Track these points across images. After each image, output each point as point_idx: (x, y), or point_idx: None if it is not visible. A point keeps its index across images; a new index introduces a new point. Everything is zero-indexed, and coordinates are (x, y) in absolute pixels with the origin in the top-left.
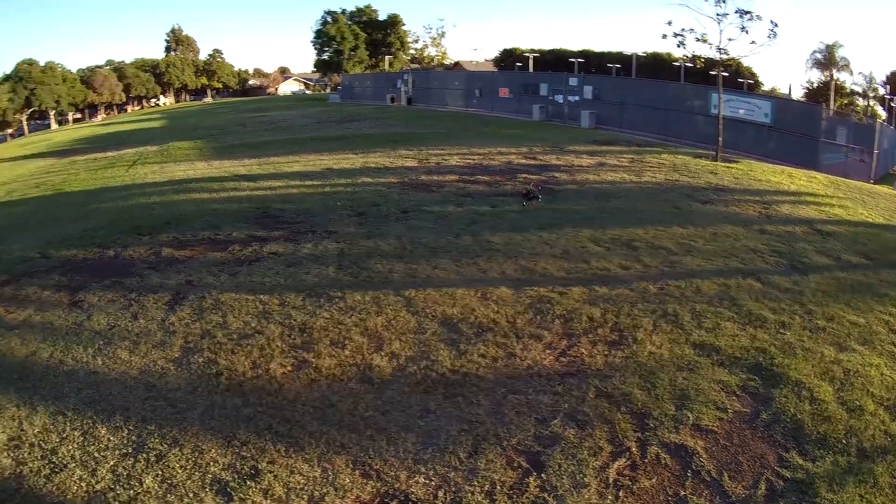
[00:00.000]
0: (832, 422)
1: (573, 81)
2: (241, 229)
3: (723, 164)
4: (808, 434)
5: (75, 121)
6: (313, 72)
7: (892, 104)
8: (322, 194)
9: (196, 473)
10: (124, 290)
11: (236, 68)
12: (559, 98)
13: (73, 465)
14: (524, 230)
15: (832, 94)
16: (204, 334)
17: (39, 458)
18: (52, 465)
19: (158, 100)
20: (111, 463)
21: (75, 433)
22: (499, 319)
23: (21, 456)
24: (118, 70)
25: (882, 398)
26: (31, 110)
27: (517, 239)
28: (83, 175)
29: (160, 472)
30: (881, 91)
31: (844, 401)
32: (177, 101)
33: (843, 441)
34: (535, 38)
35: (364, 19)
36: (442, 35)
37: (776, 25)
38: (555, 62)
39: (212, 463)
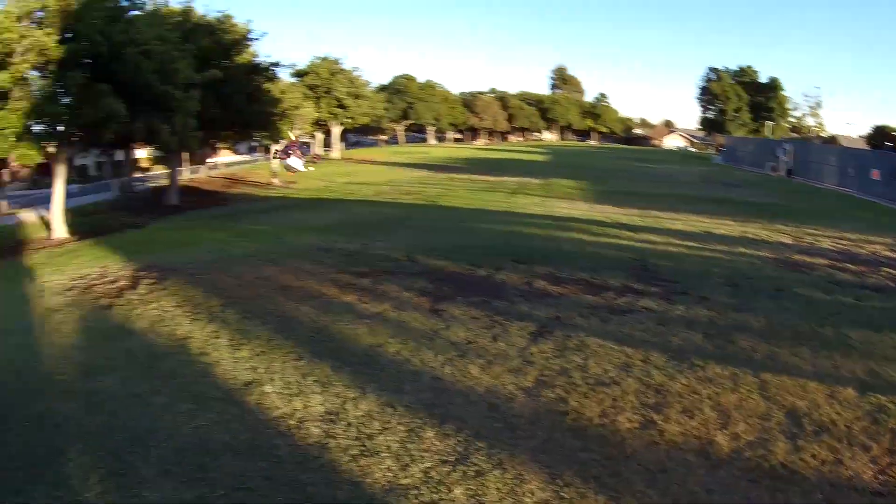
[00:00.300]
0: None
1: None
2: (618, 277)
3: None
4: None
5: (455, 140)
6: (697, 129)
7: None
8: (700, 257)
9: (509, 499)
10: (490, 311)
11: (621, 115)
12: None
13: (386, 454)
14: (882, 330)
15: None
16: (561, 371)
17: (353, 438)
18: (362, 448)
19: (542, 134)
20: (426, 464)
21: (400, 427)
22: (838, 421)
23: (333, 430)
24: (501, 99)
25: None
26: (408, 122)
27: (874, 338)
28: (460, 193)
29: (473, 488)
30: None
31: None
32: (561, 139)
33: None
34: None
35: (745, 80)
36: (819, 105)
37: None
38: None
39: (528, 494)
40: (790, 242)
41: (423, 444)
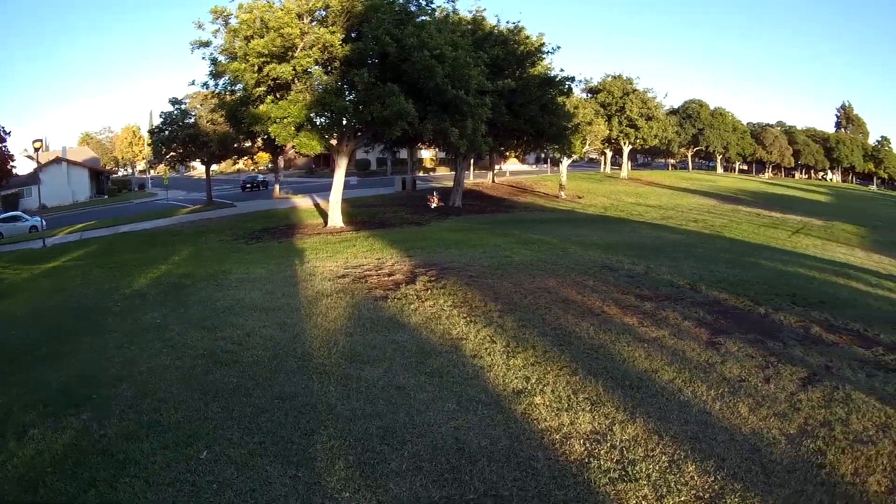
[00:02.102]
0: None
1: None
2: (890, 333)
3: None
4: None
5: (741, 171)
6: None
7: None
8: None
9: None
10: (765, 351)
11: None
12: None
13: (644, 483)
14: None
15: None
16: (825, 423)
17: (614, 461)
18: (623, 473)
19: (826, 174)
20: (682, 498)
21: (662, 457)
22: None
23: (596, 450)
24: (789, 134)
25: None
26: (696, 148)
27: None
28: (745, 226)
29: None
30: None
31: None
32: (843, 181)
33: None
34: None
35: None
36: None
37: None
38: None
39: None
40: None
41: (682, 476)
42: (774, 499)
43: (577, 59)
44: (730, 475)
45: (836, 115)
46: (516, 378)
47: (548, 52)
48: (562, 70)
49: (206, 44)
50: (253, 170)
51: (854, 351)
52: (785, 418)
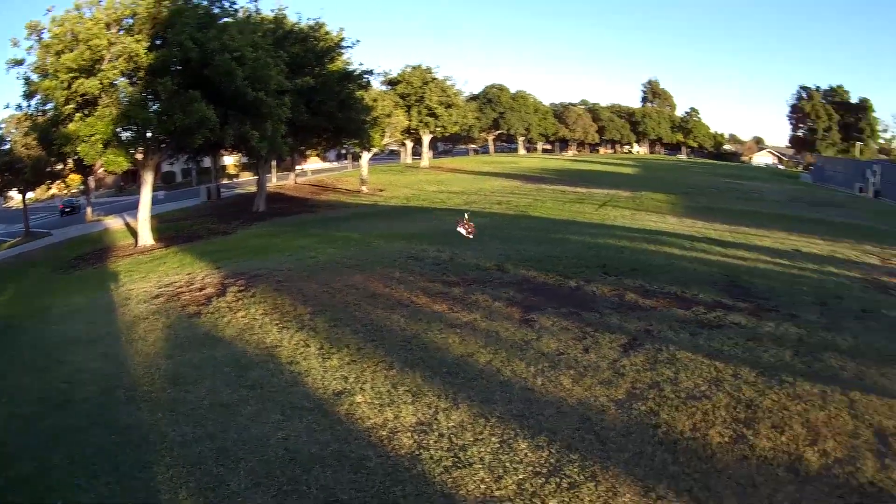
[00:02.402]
0: None
1: None
2: (708, 292)
3: None
4: None
5: (544, 151)
6: (787, 147)
7: None
8: (789, 275)
9: None
10: (580, 322)
11: (711, 130)
12: None
13: (479, 466)
14: None
15: None
16: (652, 385)
17: (445, 449)
18: (455, 460)
19: (632, 147)
20: (520, 476)
21: (492, 438)
22: None
23: (426, 441)
24: (592, 111)
25: None
26: (498, 132)
27: None
28: (550, 204)
29: (567, 500)
30: None
31: None
32: (651, 152)
33: None
34: None
35: (836, 100)
36: None
37: None
38: None
39: None
40: (878, 264)
41: (516, 455)
42: (614, 463)
43: (386, 51)
44: (564, 447)
45: (643, 90)
46: (335, 379)
47: (348, 46)
48: (360, 64)
49: (20, 62)
50: (66, 194)
51: (674, 313)
52: (611, 385)
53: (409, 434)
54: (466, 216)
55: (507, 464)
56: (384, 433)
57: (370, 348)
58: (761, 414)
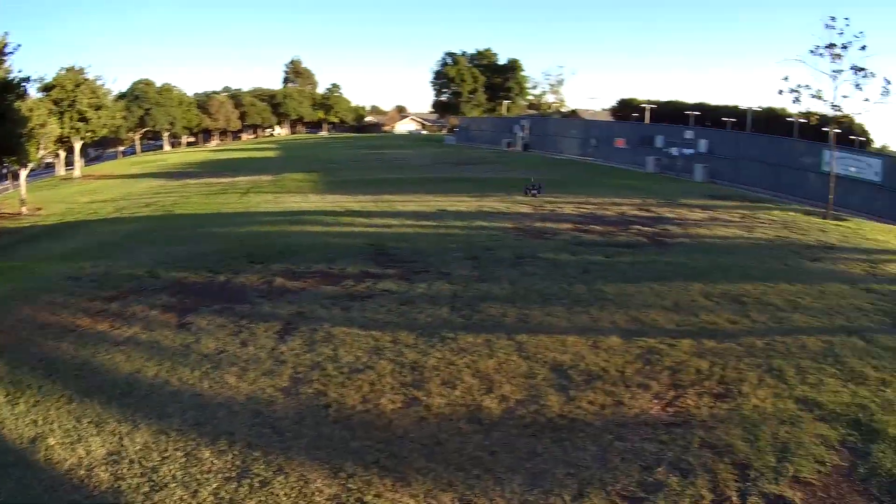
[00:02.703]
0: None
1: (688, 134)
2: (355, 265)
3: (832, 222)
4: None
5: (189, 144)
6: (430, 112)
7: None
8: (436, 235)
9: (301, 502)
10: (234, 317)
11: (353, 104)
12: (674, 151)
13: (174, 485)
14: (636, 281)
15: None
16: (314, 366)
17: (139, 475)
18: (151, 483)
19: (274, 130)
20: (213, 486)
21: (178, 454)
22: (608, 368)
23: (120, 471)
24: (235, 97)
25: None
26: (144, 130)
27: (629, 290)
28: (195, 199)
29: (264, 499)
30: None
31: None
32: (292, 133)
33: None
34: (652, 89)
35: (484, 62)
36: (561, 82)
37: (889, 83)
38: (670, 114)
39: (317, 493)
40: (530, 212)
41: (203, 465)
42: (296, 452)
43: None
44: (245, 447)
45: (285, 70)
46: (26, 426)
47: (9, 53)
48: (20, 71)
49: None
50: None
51: (323, 290)
52: (274, 374)
53: (103, 467)
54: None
55: (199, 476)
56: (82, 472)
57: (49, 384)
58: (428, 374)
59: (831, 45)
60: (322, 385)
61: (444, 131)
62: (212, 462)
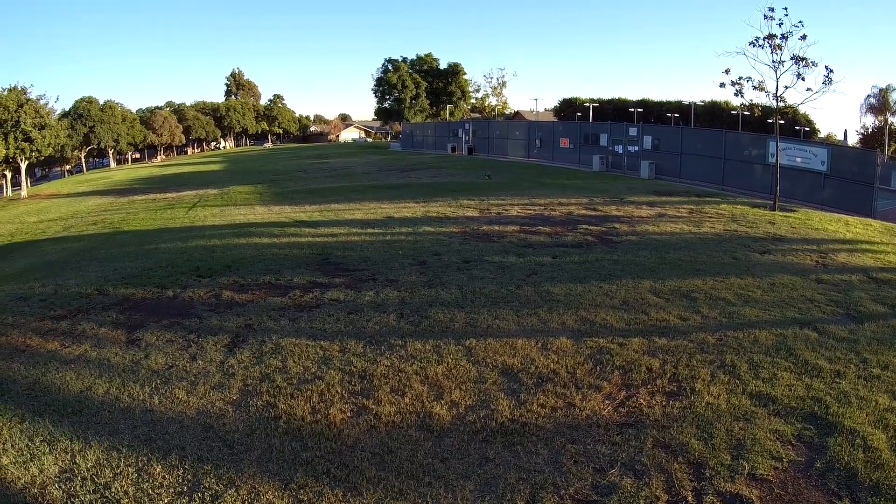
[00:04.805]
0: (885, 469)
1: (632, 132)
2: (302, 275)
3: (780, 214)
4: (861, 481)
5: (134, 160)
6: (374, 120)
7: None
8: (383, 242)
9: None
10: (183, 331)
11: (297, 114)
12: (619, 148)
13: (127, 500)
14: (584, 281)
15: (886, 138)
16: (263, 378)
17: (91, 491)
18: (104, 500)
19: (219, 143)
20: (165, 500)
21: (129, 469)
22: (559, 370)
23: (73, 489)
24: (178, 112)
25: None
26: (89, 148)
27: (577, 290)
28: (142, 215)
29: None
30: None
31: None
32: (237, 146)
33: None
34: (595, 87)
35: (425, 68)
36: (503, 84)
37: (831, 71)
38: (614, 112)
39: None
40: (476, 215)
41: (155, 481)
42: (247, 465)
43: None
44: (196, 461)
45: (227, 83)
46: None
47: None
48: None
49: None
50: None
51: (271, 302)
52: (223, 387)
53: (56, 485)
54: None
55: (150, 491)
56: (35, 490)
57: (1, 404)
58: (377, 382)
59: (771, 36)
60: (271, 397)
61: (389, 138)
62: (163, 477)
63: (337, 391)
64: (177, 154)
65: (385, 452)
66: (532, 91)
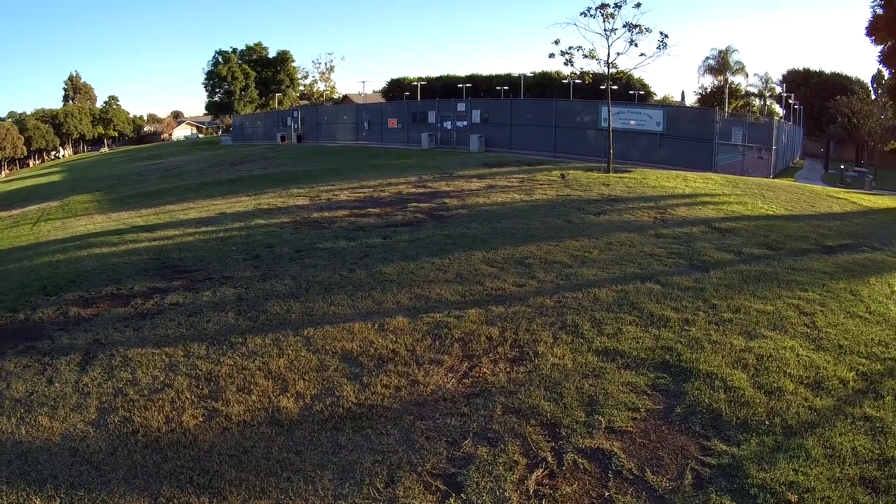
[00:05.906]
0: (751, 405)
1: (461, 107)
2: (142, 282)
3: (615, 175)
4: (727, 421)
5: None
6: (205, 114)
7: (790, 101)
8: (217, 240)
9: None
10: (37, 354)
11: (132, 115)
12: (447, 124)
13: None
14: (416, 258)
15: (726, 97)
16: (116, 393)
17: None
18: None
19: (59, 152)
20: None
21: None
22: (398, 349)
23: None
24: (20, 122)
25: (801, 377)
26: None
27: (410, 268)
28: None
29: None
30: (778, 90)
31: (761, 384)
32: (75, 153)
33: (767, 422)
34: (424, 66)
35: (255, 57)
36: (331, 69)
37: (666, 37)
38: (443, 89)
39: None
40: (307, 203)
41: None
42: (116, 485)
43: None
44: (70, 488)
45: (65, 87)
46: None
47: None
48: None
49: None
50: None
51: (115, 313)
52: (81, 408)
53: None
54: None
55: None
56: None
57: None
58: (224, 382)
59: (603, 6)
60: (126, 411)
61: (220, 132)
62: None
63: (187, 397)
64: (19, 167)
65: (241, 453)
66: (361, 74)
